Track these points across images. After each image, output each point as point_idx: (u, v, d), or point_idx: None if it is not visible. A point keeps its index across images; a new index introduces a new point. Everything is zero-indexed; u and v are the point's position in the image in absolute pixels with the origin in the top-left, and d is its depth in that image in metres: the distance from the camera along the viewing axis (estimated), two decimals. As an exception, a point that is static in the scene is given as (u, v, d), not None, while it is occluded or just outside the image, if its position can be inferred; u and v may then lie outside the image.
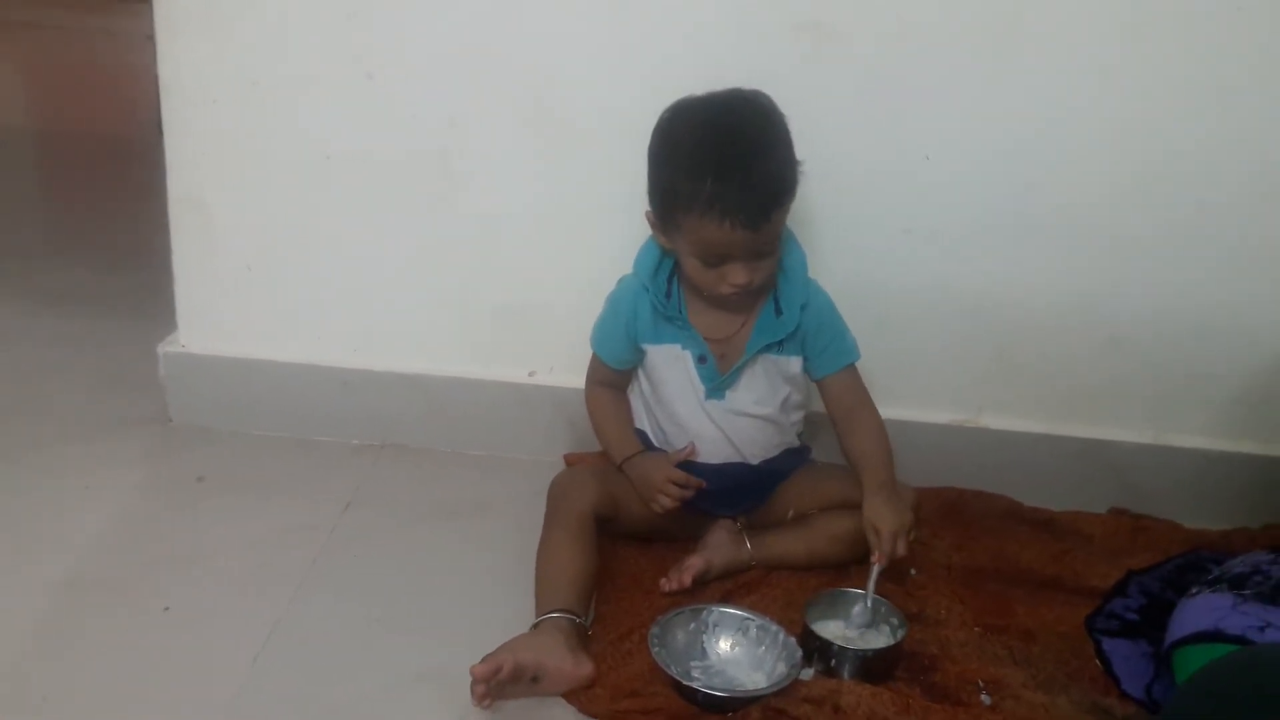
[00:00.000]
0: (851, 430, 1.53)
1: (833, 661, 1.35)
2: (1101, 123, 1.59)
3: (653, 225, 1.46)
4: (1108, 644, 1.43)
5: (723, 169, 1.33)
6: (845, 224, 1.66)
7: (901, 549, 1.42)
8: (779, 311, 1.48)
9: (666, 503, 1.48)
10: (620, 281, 1.54)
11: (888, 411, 1.74)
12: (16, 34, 3.76)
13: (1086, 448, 1.76)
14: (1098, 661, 1.42)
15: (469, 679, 1.26)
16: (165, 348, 1.83)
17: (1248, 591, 1.28)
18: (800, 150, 1.58)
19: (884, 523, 1.43)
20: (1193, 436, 1.75)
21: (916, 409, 1.76)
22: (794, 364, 1.52)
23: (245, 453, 1.80)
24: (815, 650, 1.36)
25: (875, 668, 1.35)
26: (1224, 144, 1.59)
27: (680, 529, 1.58)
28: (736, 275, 1.39)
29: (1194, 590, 1.35)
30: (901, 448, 1.72)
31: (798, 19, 1.56)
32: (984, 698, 1.32)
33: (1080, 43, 1.55)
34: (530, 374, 1.80)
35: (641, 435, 1.58)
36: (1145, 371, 1.73)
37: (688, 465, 1.54)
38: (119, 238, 2.65)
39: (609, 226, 1.67)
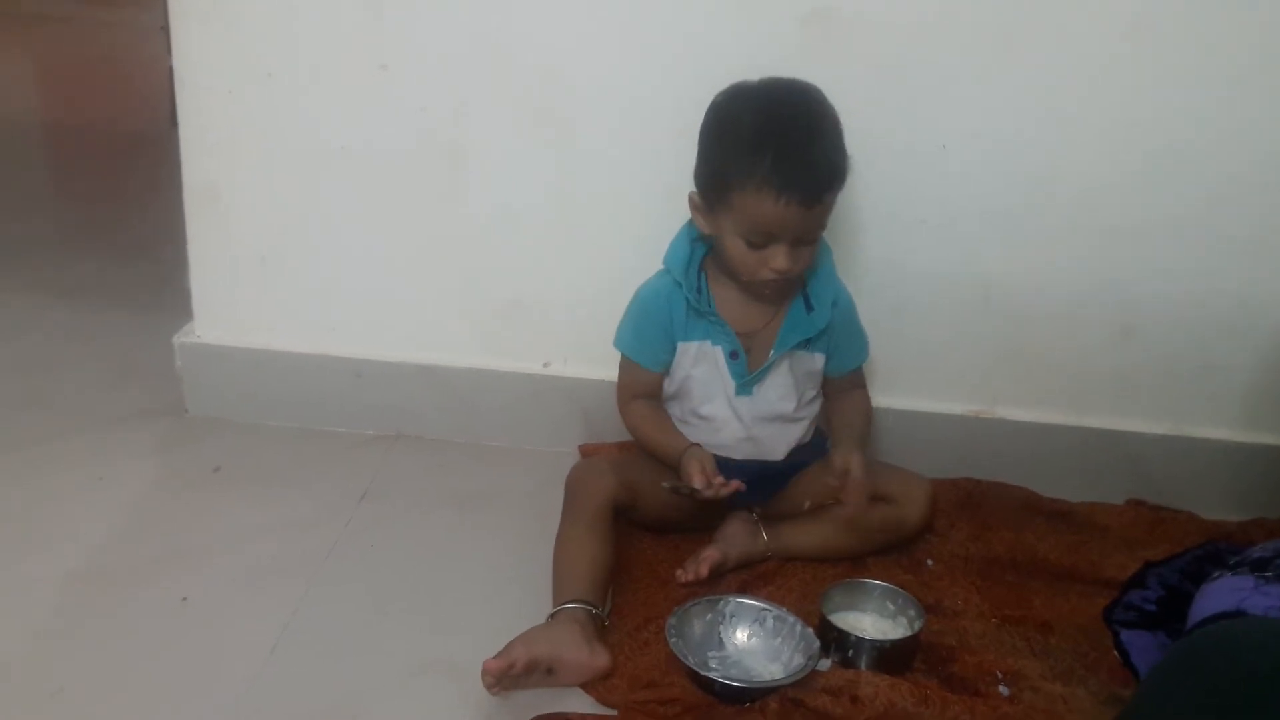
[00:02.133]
0: (840, 403, 1.58)
1: (850, 652, 1.35)
2: (1116, 112, 1.58)
3: (695, 208, 1.46)
4: (1126, 635, 1.43)
5: (784, 145, 1.34)
6: (860, 215, 1.65)
7: (859, 498, 1.44)
8: (809, 308, 1.49)
9: (708, 493, 1.44)
10: (644, 285, 1.53)
11: (904, 402, 1.75)
12: (29, 27, 3.76)
13: (1103, 439, 1.75)
14: (1116, 653, 1.41)
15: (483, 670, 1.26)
16: (180, 339, 1.83)
17: (1269, 573, 1.27)
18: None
19: (835, 464, 1.44)
20: (1210, 427, 1.75)
21: (932, 400, 1.76)
22: (818, 360, 1.52)
23: (261, 443, 1.80)
24: (833, 641, 1.36)
25: (893, 658, 1.35)
26: (1238, 133, 1.58)
27: (697, 520, 1.58)
28: (779, 260, 1.39)
29: (1215, 574, 1.34)
30: (918, 439, 1.74)
31: (806, 9, 1.55)
32: (1002, 689, 1.32)
33: (1093, 31, 1.54)
34: (545, 365, 1.80)
35: None
36: (1161, 362, 1.72)
37: (720, 463, 1.54)
38: (133, 229, 2.66)
39: (622, 218, 1.68)
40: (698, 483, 1.43)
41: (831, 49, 1.56)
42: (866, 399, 1.61)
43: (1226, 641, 0.92)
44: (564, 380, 1.78)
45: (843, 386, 1.59)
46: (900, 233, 1.67)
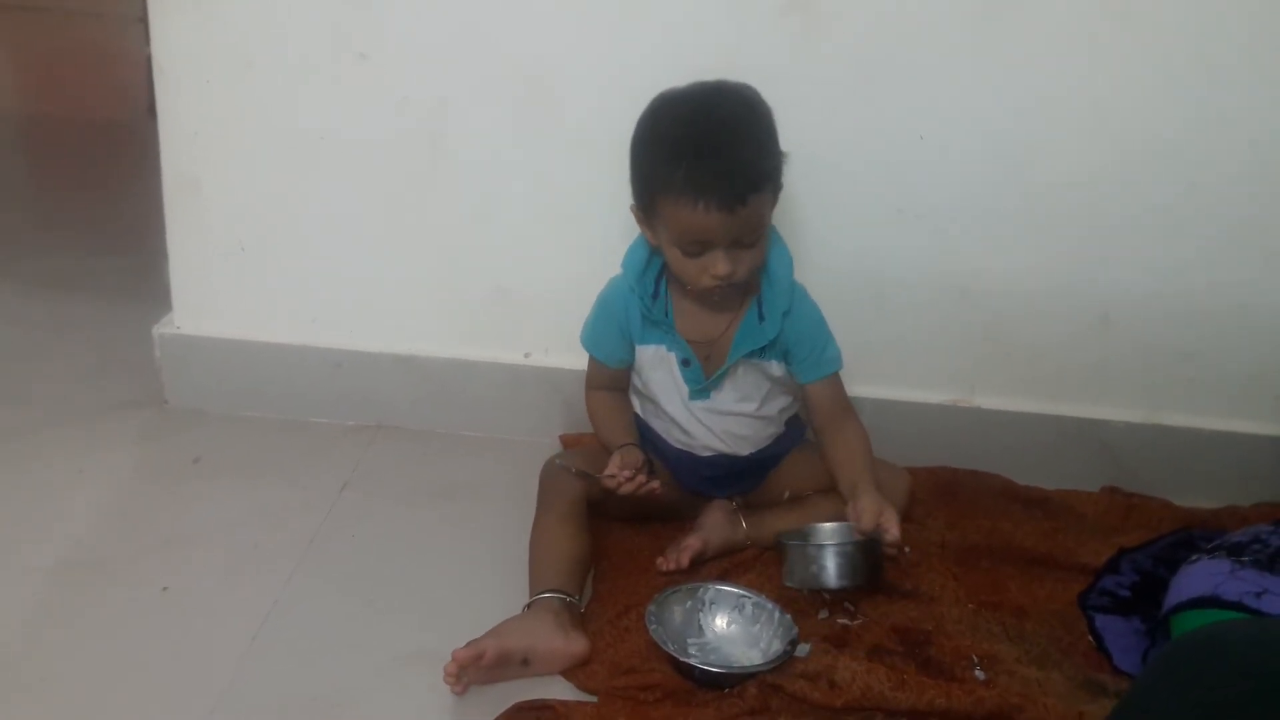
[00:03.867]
0: (834, 440, 1.52)
1: (813, 567, 1.36)
2: (1093, 103, 1.59)
3: (638, 220, 1.45)
4: (1100, 620, 1.44)
5: (700, 150, 1.32)
6: (838, 205, 1.66)
7: (890, 527, 1.38)
8: (762, 317, 1.46)
9: (608, 483, 1.45)
10: (610, 282, 1.53)
11: (882, 392, 1.76)
12: (5, 17, 3.73)
13: (1079, 427, 1.76)
14: (1090, 638, 1.43)
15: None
16: (160, 330, 1.83)
17: (1245, 558, 1.29)
18: (792, 131, 1.57)
19: (867, 509, 1.39)
20: (1184, 415, 1.76)
21: (910, 389, 1.77)
22: (777, 367, 1.51)
23: (241, 434, 1.80)
24: (796, 561, 1.37)
25: (863, 560, 1.38)
26: (1214, 123, 1.59)
27: (675, 510, 1.59)
28: (718, 265, 1.36)
29: (1193, 558, 1.36)
30: (895, 428, 1.74)
31: (786, 0, 1.55)
32: (978, 673, 1.33)
33: (1072, 23, 1.55)
34: (526, 355, 1.80)
35: (640, 423, 1.59)
36: (1136, 351, 1.73)
37: (680, 454, 1.56)
38: (112, 221, 2.65)
39: (603, 208, 1.67)
40: (608, 470, 1.45)
41: (811, 39, 1.57)
42: (860, 432, 1.53)
43: (1216, 642, 0.93)
44: (545, 370, 1.79)
45: (828, 409, 1.53)
46: (878, 222, 1.67)
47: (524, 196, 1.70)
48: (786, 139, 1.60)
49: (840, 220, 1.67)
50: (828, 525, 1.49)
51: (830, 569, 1.37)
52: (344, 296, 1.79)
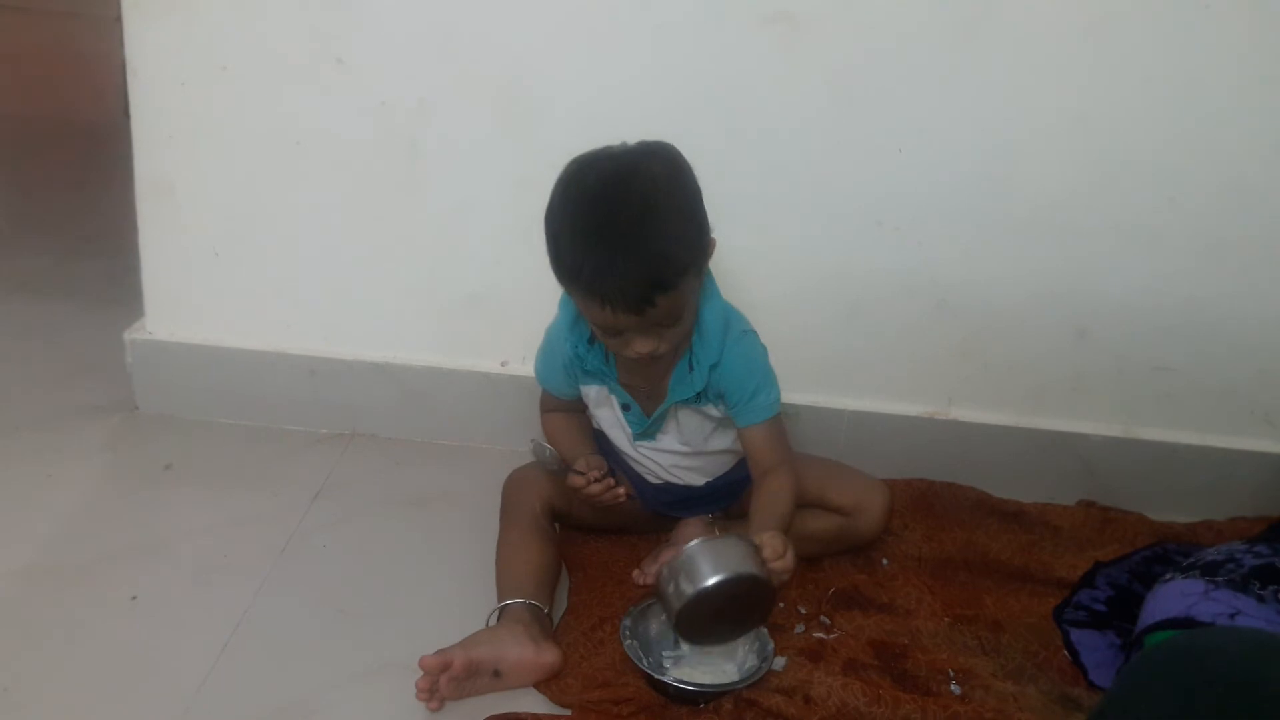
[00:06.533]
0: (758, 488, 1.45)
1: (670, 585, 1.27)
2: (1072, 118, 1.59)
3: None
4: (1075, 635, 1.44)
5: (602, 250, 1.23)
6: (817, 216, 1.66)
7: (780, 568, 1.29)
8: (691, 368, 1.42)
9: (576, 479, 1.44)
10: (554, 321, 1.50)
11: (859, 403, 1.76)
12: (-20, 16, 3.70)
13: (1055, 440, 1.77)
14: (1065, 652, 1.43)
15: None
16: (132, 334, 1.81)
17: (1219, 578, 1.29)
18: (771, 142, 1.58)
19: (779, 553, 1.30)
20: (1160, 430, 1.77)
21: (886, 401, 1.77)
22: (715, 410, 1.47)
23: (213, 441, 1.78)
24: (665, 589, 1.28)
25: (725, 549, 1.27)
26: (1193, 140, 1.60)
27: (645, 524, 1.59)
28: (640, 345, 1.31)
29: (1167, 576, 1.36)
30: (872, 440, 1.74)
31: (768, 11, 1.55)
32: (953, 687, 1.33)
33: (1051, 37, 1.55)
34: (502, 364, 1.79)
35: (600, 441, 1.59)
36: (1113, 365, 1.74)
37: (636, 477, 1.57)
38: (85, 223, 2.63)
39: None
40: (576, 467, 1.45)
41: (793, 50, 1.57)
42: (785, 488, 1.43)
43: (1189, 650, 0.93)
44: (521, 379, 1.77)
45: (757, 457, 1.46)
46: (856, 234, 1.67)
47: (502, 203, 1.69)
48: (767, 150, 1.61)
49: (819, 232, 1.67)
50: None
51: (700, 565, 1.26)
52: (319, 303, 1.78)
